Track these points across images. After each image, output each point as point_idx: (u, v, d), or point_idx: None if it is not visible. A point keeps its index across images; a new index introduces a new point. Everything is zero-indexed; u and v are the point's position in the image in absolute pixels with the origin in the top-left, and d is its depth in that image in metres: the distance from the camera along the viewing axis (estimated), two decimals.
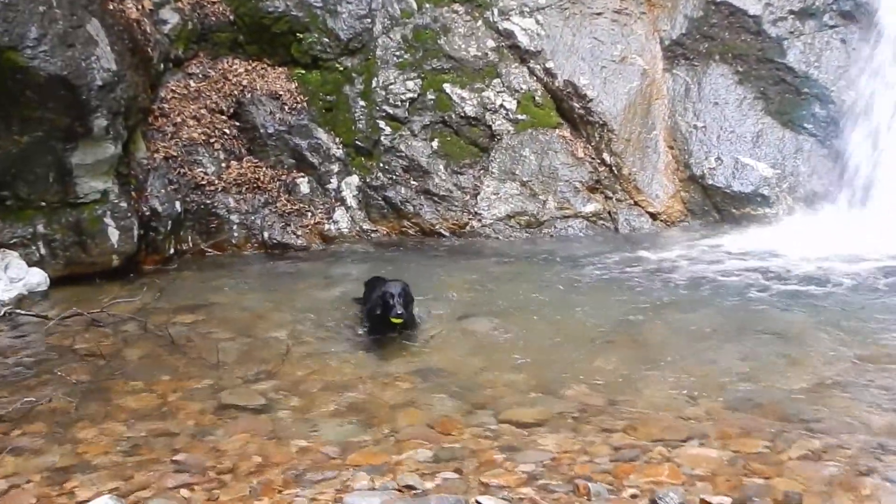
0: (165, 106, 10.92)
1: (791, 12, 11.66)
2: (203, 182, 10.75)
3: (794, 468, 4.50)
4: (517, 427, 5.23)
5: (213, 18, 11.49)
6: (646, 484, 4.34)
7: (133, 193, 9.85)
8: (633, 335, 7.17)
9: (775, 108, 11.56)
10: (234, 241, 10.82)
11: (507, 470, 4.55)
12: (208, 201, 10.72)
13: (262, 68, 11.73)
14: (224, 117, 11.30)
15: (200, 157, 10.89)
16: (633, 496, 4.25)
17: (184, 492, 4.54)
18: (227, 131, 11.24)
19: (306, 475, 4.67)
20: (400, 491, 4.32)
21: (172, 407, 5.88)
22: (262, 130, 11.41)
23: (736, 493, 4.21)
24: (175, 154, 10.67)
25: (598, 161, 11.62)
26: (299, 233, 11.09)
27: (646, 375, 6.11)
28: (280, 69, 11.79)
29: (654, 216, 11.44)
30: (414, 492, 4.28)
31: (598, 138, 11.66)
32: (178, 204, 10.39)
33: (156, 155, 10.46)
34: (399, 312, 6.85)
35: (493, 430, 5.21)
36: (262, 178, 11.19)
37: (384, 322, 7.02)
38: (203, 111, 11.17)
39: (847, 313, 7.46)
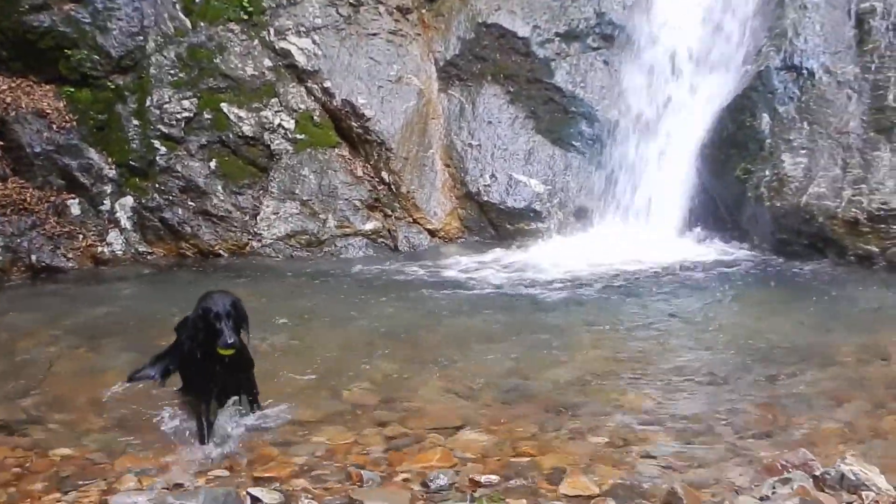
0: None
1: (557, 34, 12.51)
2: None
3: (560, 447, 4.95)
4: (296, 426, 5.48)
5: None
6: (418, 469, 4.64)
7: None
8: (412, 340, 7.47)
9: (545, 126, 12.30)
10: None
11: (281, 463, 4.80)
12: None
13: (28, 85, 11.63)
14: None
15: None
16: (405, 480, 4.51)
17: None
18: None
19: (69, 480, 4.83)
20: (168, 489, 4.42)
21: None
22: (28, 150, 11.28)
23: (505, 471, 4.55)
24: None
25: (377, 180, 12.04)
26: (70, 255, 11.01)
27: (424, 375, 6.44)
28: (47, 86, 11.67)
29: (432, 233, 11.89)
30: (183, 489, 4.39)
31: (376, 157, 12.07)
32: None
33: None
34: (230, 342, 4.89)
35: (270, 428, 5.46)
36: (28, 199, 11.07)
37: (207, 356, 5.05)
38: None
39: (610, 314, 8.16)
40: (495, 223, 11.91)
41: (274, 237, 11.53)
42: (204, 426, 5.20)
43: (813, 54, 10.42)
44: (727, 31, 11.46)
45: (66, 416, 5.97)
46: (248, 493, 4.28)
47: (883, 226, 9.11)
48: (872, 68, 9.99)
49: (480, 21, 12.62)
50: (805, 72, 10.39)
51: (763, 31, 11.02)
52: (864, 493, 3.82)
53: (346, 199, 11.76)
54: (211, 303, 4.99)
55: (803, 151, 9.91)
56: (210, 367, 5.08)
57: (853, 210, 9.31)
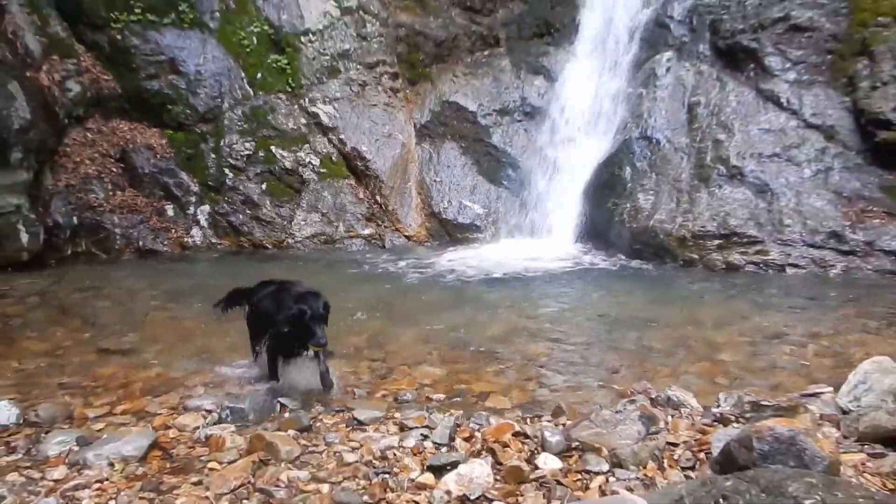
0: (68, 149, 10.68)
1: (495, 110, 12.59)
2: (95, 204, 10.56)
3: (487, 378, 5.02)
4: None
5: (107, 91, 11.30)
6: (392, 389, 4.78)
7: (40, 209, 9.66)
8: (392, 306, 7.44)
9: (485, 170, 12.31)
10: (116, 247, 10.57)
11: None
12: (98, 218, 10.51)
13: (142, 128, 11.57)
14: (112, 160, 11.12)
15: (93, 187, 10.69)
16: (384, 396, 4.67)
17: (66, 398, 4.65)
18: (114, 170, 11.06)
19: (159, 388, 4.84)
20: (227, 394, 4.50)
21: (62, 350, 5.86)
22: (140, 170, 11.25)
23: (449, 392, 4.70)
24: (74, 183, 10.47)
25: (373, 201, 11.98)
26: (165, 243, 10.98)
27: (398, 328, 6.42)
28: (155, 129, 11.62)
29: (408, 237, 11.85)
30: (235, 396, 4.39)
31: (373, 186, 12.04)
32: (75, 219, 10.18)
33: (59, 183, 10.28)
34: (324, 341, 4.19)
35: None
36: (139, 203, 11.05)
37: (298, 347, 4.37)
38: (96, 155, 10.97)
39: (525, 293, 8.15)
40: (450, 233, 11.87)
41: (303, 237, 11.45)
42: (275, 375, 4.64)
43: (659, 129, 10.50)
44: (606, 113, 11.49)
45: (158, 346, 5.92)
46: (278, 401, 4.32)
47: (701, 241, 9.22)
48: (697, 140, 10.10)
49: (444, 99, 12.71)
50: (654, 140, 10.46)
51: (628, 113, 11.05)
52: (682, 409, 3.84)
53: (352, 213, 11.74)
54: (307, 304, 4.18)
55: (651, 192, 9.97)
56: (298, 353, 4.44)
57: (682, 230, 9.40)
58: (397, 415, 4.07)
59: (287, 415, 4.12)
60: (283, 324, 4.22)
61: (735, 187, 9.49)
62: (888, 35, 9.19)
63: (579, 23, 12.46)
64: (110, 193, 10.84)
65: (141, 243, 10.77)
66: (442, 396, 4.62)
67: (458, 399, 4.60)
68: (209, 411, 4.18)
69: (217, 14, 11.87)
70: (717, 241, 9.18)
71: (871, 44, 9.29)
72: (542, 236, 11.49)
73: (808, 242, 8.67)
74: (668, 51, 11.09)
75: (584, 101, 12.01)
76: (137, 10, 11.23)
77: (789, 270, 8.57)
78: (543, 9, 12.84)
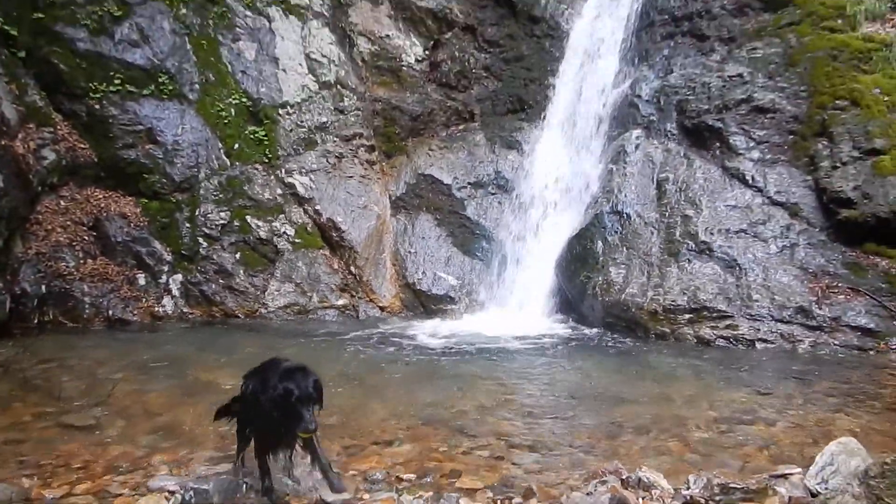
0: (40, 217, 10.55)
1: (469, 183, 12.83)
2: (65, 272, 10.38)
3: (459, 457, 4.90)
4: None
5: (82, 159, 11.24)
6: (363, 468, 4.68)
7: (8, 276, 9.52)
8: (364, 381, 7.24)
9: (459, 242, 12.43)
10: (85, 317, 10.35)
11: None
12: (68, 286, 10.32)
13: (117, 196, 11.51)
14: (85, 228, 11.00)
15: (64, 255, 10.53)
16: (353, 475, 4.54)
17: (24, 480, 4.50)
18: (86, 238, 10.92)
19: (121, 468, 4.72)
20: (192, 475, 4.42)
21: (22, 425, 5.72)
22: (112, 239, 11.12)
23: (420, 471, 4.60)
24: (44, 251, 10.30)
25: (347, 271, 12.00)
26: (135, 312, 10.79)
27: (370, 405, 6.31)
28: (129, 198, 11.56)
29: (382, 308, 11.84)
30: (200, 478, 4.30)
31: (347, 256, 12.07)
32: (43, 287, 10.00)
33: (29, 250, 10.11)
34: (312, 427, 3.54)
35: None
36: (110, 272, 10.89)
37: (285, 435, 3.73)
38: (69, 223, 10.84)
39: (498, 368, 8.10)
40: (425, 304, 11.88)
41: (276, 307, 11.35)
42: (267, 477, 3.95)
43: (630, 204, 10.72)
44: (578, 187, 11.75)
45: (123, 422, 5.79)
46: (244, 482, 4.21)
47: (672, 315, 9.31)
48: (666, 215, 10.31)
49: (420, 172, 12.92)
50: (625, 215, 10.66)
51: (600, 188, 11.31)
52: (652, 491, 3.83)
53: (326, 284, 11.70)
54: (294, 384, 3.55)
55: (623, 266, 10.11)
56: (288, 443, 3.84)
57: (654, 304, 9.50)
58: (366, 496, 4.02)
59: (252, 496, 4.02)
60: (267, 407, 3.58)
61: (704, 262, 9.67)
62: (846, 117, 9.60)
63: (551, 100, 12.84)
64: (81, 262, 10.70)
65: (110, 312, 10.58)
66: (413, 476, 4.53)
67: (429, 479, 4.52)
68: (172, 492, 4.06)
69: (197, 86, 12.03)
70: (687, 316, 9.29)
71: (829, 125, 9.69)
72: (516, 308, 11.54)
73: (776, 317, 8.82)
74: (637, 129, 11.46)
75: (557, 175, 12.27)
76: (117, 81, 11.35)
77: (759, 345, 8.68)
78: (517, 86, 13.25)
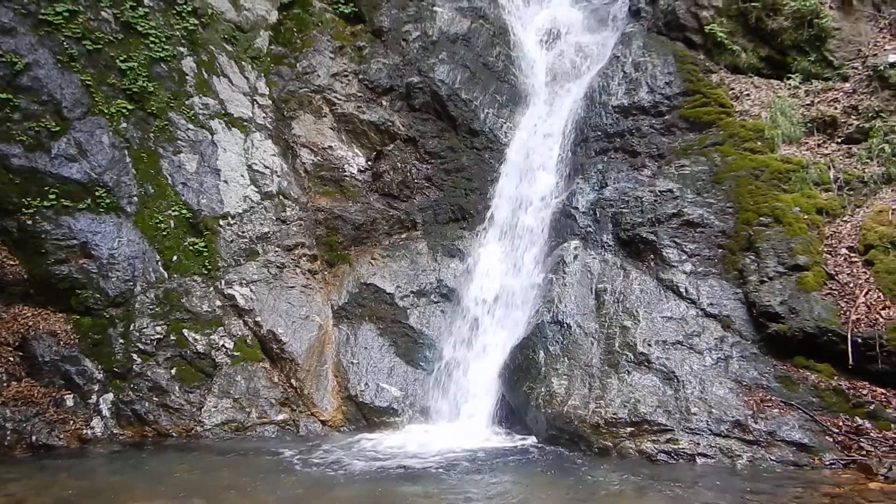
0: None
1: (412, 292, 12.93)
2: None
3: None
4: None
5: (11, 276, 11.03)
6: None
7: None
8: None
9: (402, 351, 12.43)
10: (6, 444, 9.95)
11: None
12: None
13: (46, 314, 11.28)
14: (10, 348, 10.71)
15: None
16: None
17: None
18: (11, 359, 10.63)
19: None
20: None
21: None
22: (39, 359, 10.84)
23: None
24: None
25: (288, 384, 11.84)
26: (62, 436, 10.40)
27: None
28: (60, 314, 11.33)
29: (324, 423, 11.67)
30: None
31: (288, 369, 11.93)
32: None
33: None
34: None
35: None
36: (35, 394, 10.55)
37: None
38: None
39: (441, 488, 7.96)
40: (367, 417, 11.77)
41: (213, 424, 11.15)
42: None
43: (570, 314, 10.91)
44: (520, 298, 11.92)
45: None
46: None
47: (614, 428, 9.36)
48: (605, 325, 10.51)
49: (363, 281, 12.99)
50: (565, 325, 10.81)
51: (540, 297, 11.50)
52: None
53: (266, 398, 11.56)
54: None
55: (565, 377, 10.20)
56: None
57: (596, 417, 9.55)
58: None
59: None
60: None
61: (643, 374, 9.84)
62: (770, 234, 10.11)
63: (492, 210, 13.18)
64: (4, 385, 10.39)
65: (34, 438, 10.18)
66: None
67: None
68: None
69: (135, 198, 12.00)
70: (629, 429, 9.36)
71: (755, 241, 10.18)
72: (461, 420, 11.48)
73: (714, 431, 8.96)
74: (575, 239, 11.82)
75: (499, 283, 12.48)
76: (52, 196, 11.25)
77: (699, 460, 8.77)
78: (458, 195, 13.59)
